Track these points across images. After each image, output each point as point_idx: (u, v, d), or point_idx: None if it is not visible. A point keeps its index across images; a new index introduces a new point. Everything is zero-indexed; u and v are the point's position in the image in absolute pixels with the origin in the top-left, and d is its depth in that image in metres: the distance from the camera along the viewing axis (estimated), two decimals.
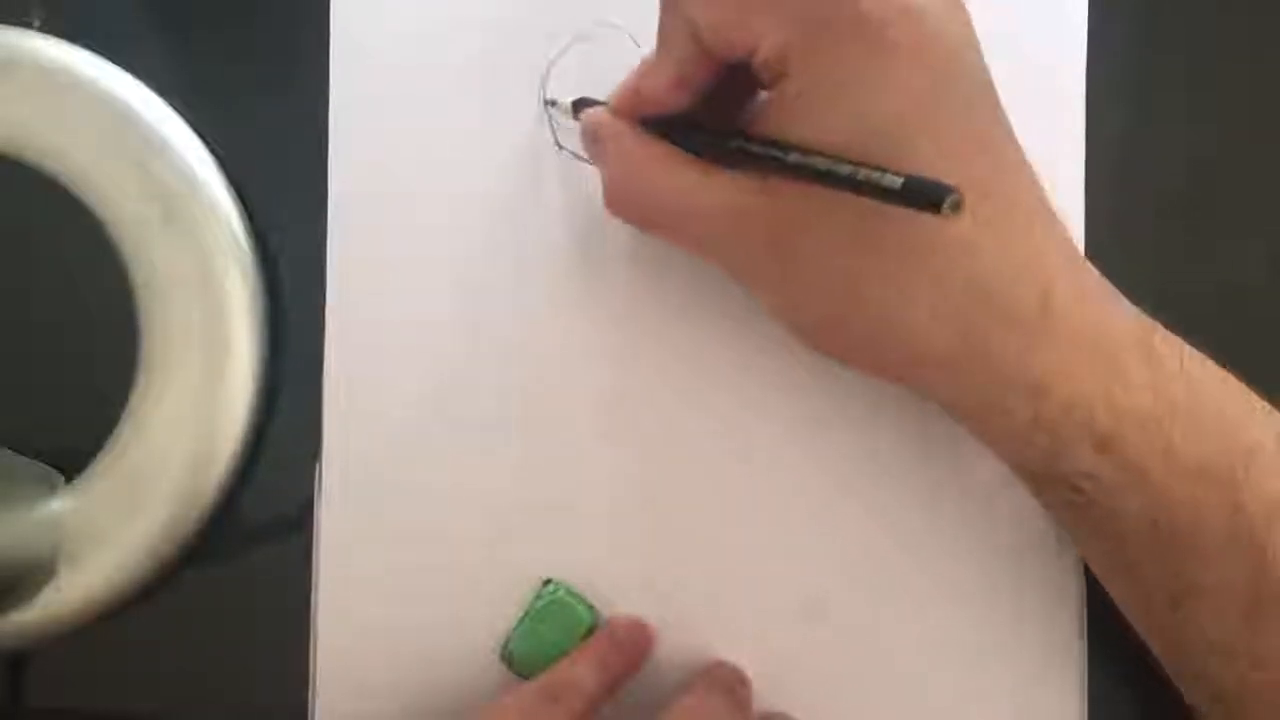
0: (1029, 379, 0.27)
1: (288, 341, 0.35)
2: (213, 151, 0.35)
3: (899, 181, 0.23)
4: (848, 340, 0.29)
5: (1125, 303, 0.29)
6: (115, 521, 0.34)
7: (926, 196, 0.23)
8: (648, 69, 0.30)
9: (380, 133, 0.34)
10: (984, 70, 0.28)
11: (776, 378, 0.33)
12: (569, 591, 0.33)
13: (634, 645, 0.32)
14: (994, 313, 0.27)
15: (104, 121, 0.34)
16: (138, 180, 0.34)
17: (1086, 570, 0.33)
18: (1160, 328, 0.29)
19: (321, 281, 0.34)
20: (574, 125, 0.32)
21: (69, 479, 0.34)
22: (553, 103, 0.33)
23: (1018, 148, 0.28)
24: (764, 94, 0.29)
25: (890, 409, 0.33)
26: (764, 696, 0.33)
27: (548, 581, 0.33)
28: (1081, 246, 0.33)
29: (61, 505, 0.34)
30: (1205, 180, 0.34)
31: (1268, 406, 0.29)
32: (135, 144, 0.34)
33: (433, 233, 0.34)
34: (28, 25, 0.35)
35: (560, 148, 0.34)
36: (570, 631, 0.33)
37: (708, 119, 0.30)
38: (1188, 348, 0.28)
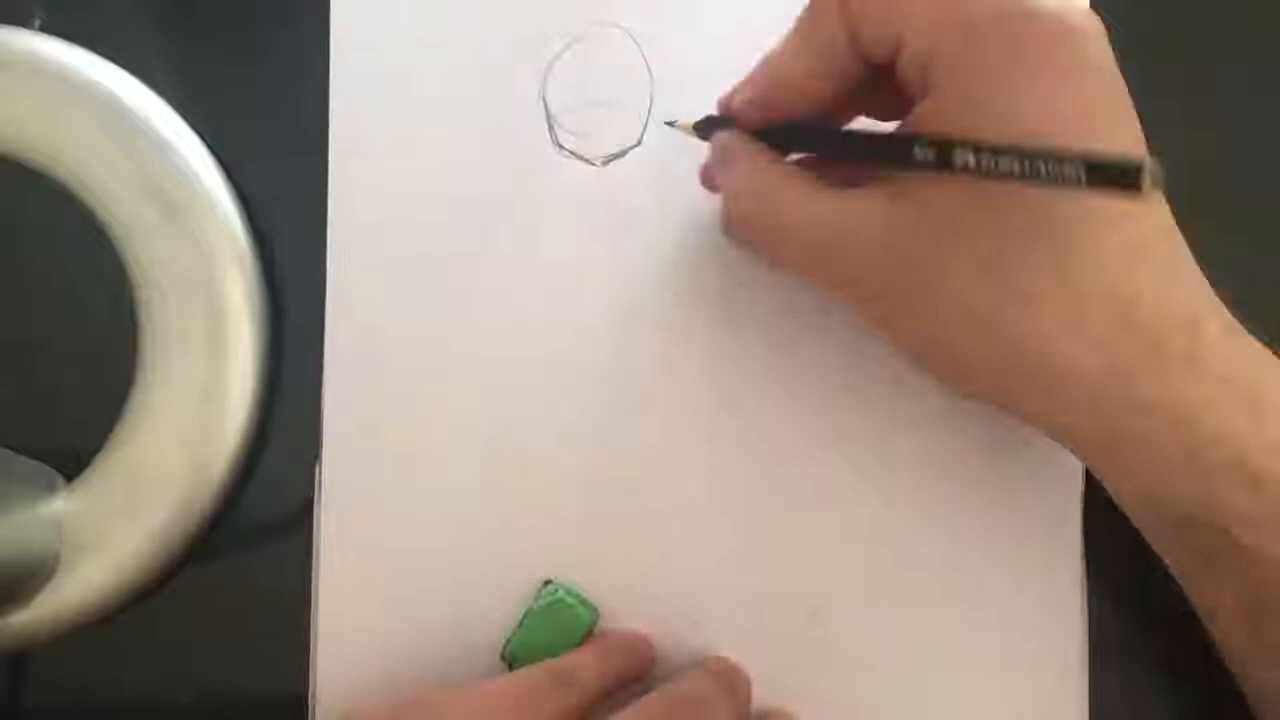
0: (1179, 410, 0.26)
1: (288, 341, 0.35)
2: (213, 151, 0.35)
3: (1087, 159, 0.22)
4: (986, 373, 0.28)
5: (1253, 337, 0.28)
6: (115, 521, 0.34)
7: (1122, 173, 0.21)
8: (783, 56, 0.29)
9: (380, 132, 0.34)
10: (1126, 93, 0.27)
11: (779, 382, 0.33)
12: (569, 591, 0.33)
13: (635, 650, 0.32)
14: (1144, 339, 0.26)
15: (104, 121, 0.34)
16: (138, 180, 0.34)
17: (1088, 573, 0.33)
18: None
19: (321, 281, 0.34)
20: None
21: (69, 479, 0.34)
22: (673, 123, 0.32)
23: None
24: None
25: (892, 413, 0.33)
26: (764, 696, 0.33)
27: (548, 581, 0.33)
28: None
29: (61, 505, 0.34)
30: (1205, 182, 0.34)
31: None
32: (135, 144, 0.34)
33: (432, 232, 0.34)
34: (27, 25, 0.35)
35: (560, 148, 0.34)
36: (570, 631, 0.33)
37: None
38: None
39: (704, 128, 0.31)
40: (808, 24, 0.28)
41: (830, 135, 0.29)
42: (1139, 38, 0.35)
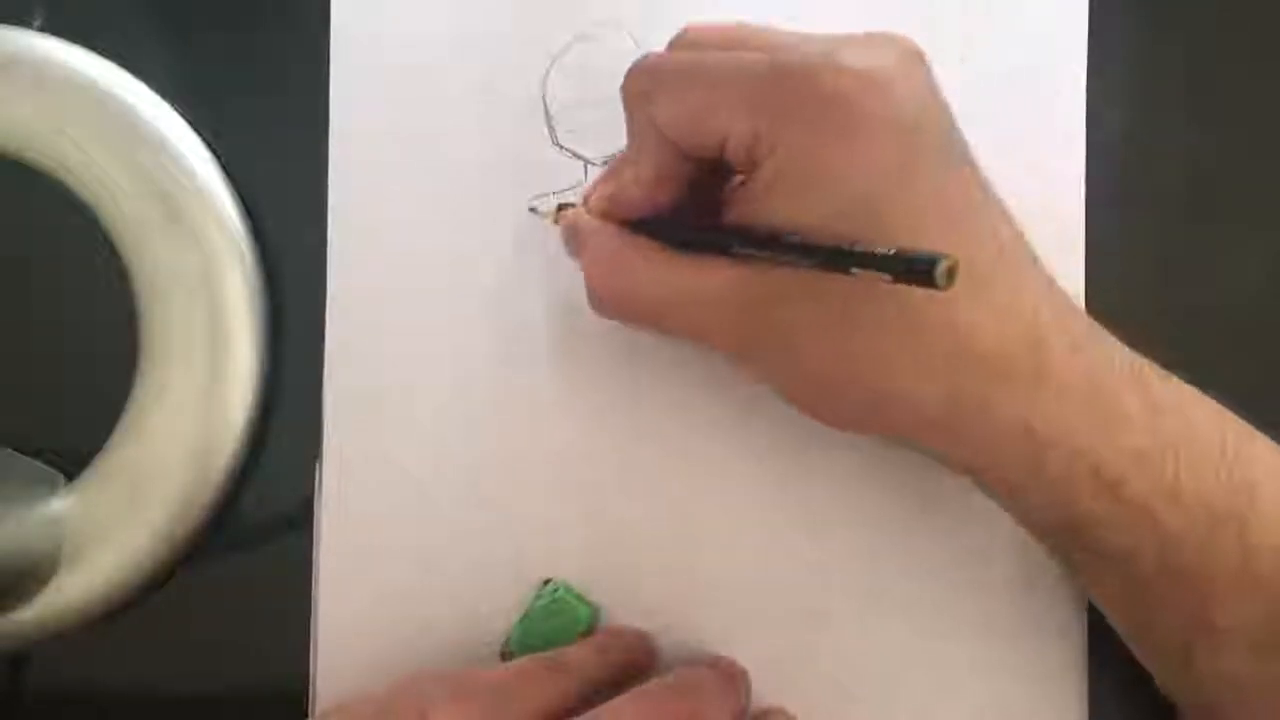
0: (1028, 434, 0.27)
1: (288, 341, 0.35)
2: (213, 151, 0.35)
3: (889, 254, 0.24)
4: (844, 411, 0.29)
5: (1115, 342, 0.29)
6: (115, 521, 0.34)
7: (918, 269, 0.23)
8: (625, 170, 0.30)
9: (380, 133, 0.34)
10: (953, 128, 0.27)
11: None
12: (569, 591, 0.33)
13: (633, 646, 0.32)
14: (987, 374, 0.27)
15: (104, 121, 0.34)
16: (138, 180, 0.34)
17: None
18: (1151, 364, 0.28)
19: (321, 281, 0.34)
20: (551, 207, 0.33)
21: (69, 479, 0.34)
22: (534, 210, 0.33)
23: (996, 202, 0.28)
24: (738, 180, 0.29)
25: None
26: (763, 696, 0.33)
27: (547, 581, 0.33)
28: (1081, 246, 0.33)
29: (61, 505, 0.34)
30: (1205, 180, 0.34)
31: (1269, 440, 0.29)
32: (135, 144, 0.34)
33: (432, 232, 0.34)
34: (28, 25, 0.35)
35: (560, 147, 0.34)
36: (570, 631, 0.33)
37: (686, 211, 0.30)
38: (1180, 383, 0.28)
39: (561, 211, 0.32)
40: (635, 148, 0.30)
41: (674, 227, 0.30)
42: (1139, 38, 0.35)
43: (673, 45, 0.30)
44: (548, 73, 0.34)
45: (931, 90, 0.27)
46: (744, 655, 0.33)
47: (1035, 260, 0.28)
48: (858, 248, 0.24)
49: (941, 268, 0.22)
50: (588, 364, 0.34)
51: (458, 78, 0.34)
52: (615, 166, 0.31)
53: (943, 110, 0.27)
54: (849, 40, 0.27)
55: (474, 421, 0.34)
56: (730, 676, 0.32)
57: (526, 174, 0.34)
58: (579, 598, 0.33)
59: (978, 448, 0.28)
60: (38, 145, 0.34)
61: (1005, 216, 0.28)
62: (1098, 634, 0.33)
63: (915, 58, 0.27)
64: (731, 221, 0.29)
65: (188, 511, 0.34)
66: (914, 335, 0.27)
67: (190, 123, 0.35)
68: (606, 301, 0.30)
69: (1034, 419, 0.27)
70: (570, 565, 0.33)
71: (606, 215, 0.30)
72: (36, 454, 0.34)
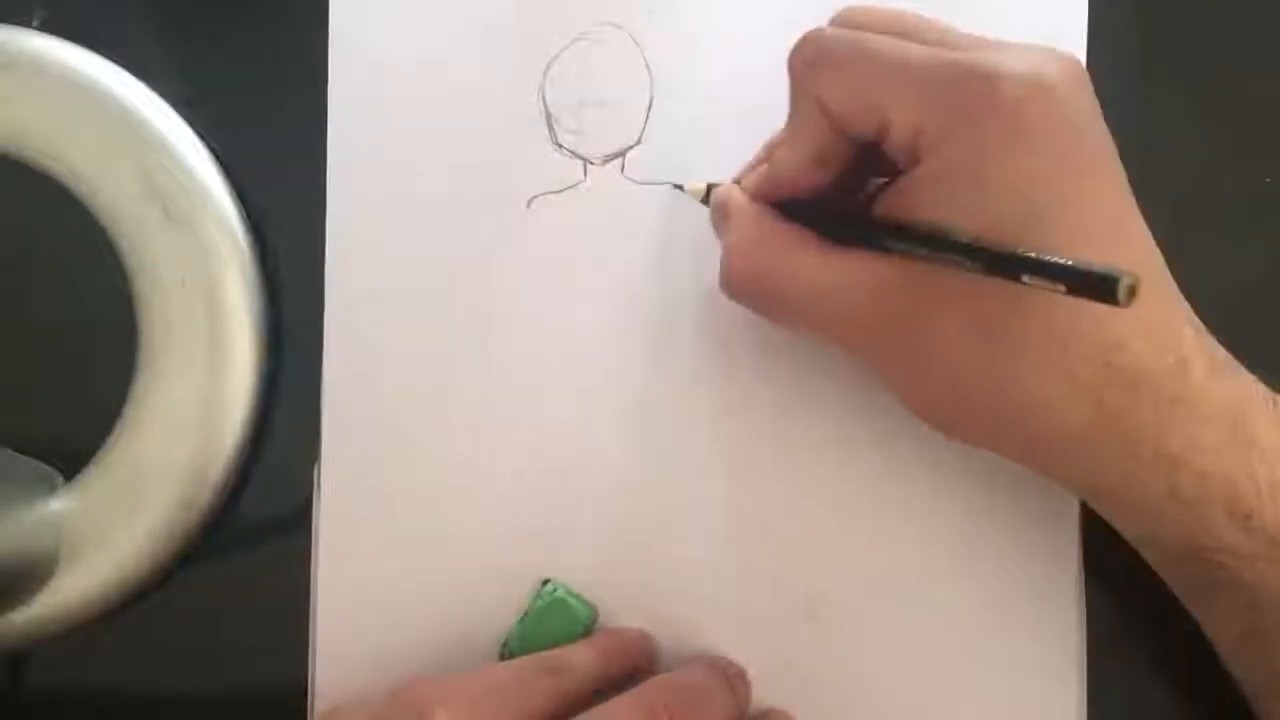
0: (1166, 452, 0.26)
1: (288, 341, 0.35)
2: (213, 151, 0.35)
3: (1069, 265, 0.23)
4: (976, 424, 0.29)
5: (1247, 373, 0.28)
6: (115, 521, 0.34)
7: (1099, 284, 0.23)
8: (781, 148, 0.29)
9: (379, 133, 0.34)
10: (1109, 143, 0.27)
11: (778, 383, 0.33)
12: (569, 591, 0.33)
13: (633, 647, 0.32)
14: (1130, 388, 0.26)
15: (104, 121, 0.34)
16: (138, 180, 0.34)
17: (1086, 572, 0.33)
18: None
19: (321, 281, 0.34)
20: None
21: (69, 479, 0.34)
22: (680, 187, 0.33)
23: (1139, 217, 0.28)
24: (895, 176, 0.28)
25: (891, 413, 0.33)
26: (763, 696, 0.33)
27: (547, 581, 0.33)
28: None
29: (61, 505, 0.34)
30: (1205, 180, 0.34)
31: None
32: (135, 144, 0.34)
33: (432, 232, 0.34)
34: (28, 25, 0.35)
35: (559, 147, 0.34)
36: (570, 631, 0.33)
37: (841, 202, 0.29)
38: None
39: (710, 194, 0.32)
40: (795, 124, 0.29)
41: (827, 217, 0.29)
42: (1139, 38, 0.35)
43: (834, 23, 0.29)
44: (547, 73, 0.34)
45: (1095, 106, 0.27)
46: (743, 655, 0.33)
47: (1177, 289, 0.28)
48: (1035, 254, 0.24)
49: (1125, 284, 0.22)
50: (587, 363, 0.34)
51: (458, 78, 0.34)
52: (771, 144, 0.30)
53: (1099, 117, 0.27)
54: (1020, 48, 0.27)
55: (473, 421, 0.34)
56: (730, 676, 0.32)
57: (526, 174, 0.34)
58: (579, 598, 0.33)
59: (1113, 467, 0.27)
60: (38, 145, 0.34)
61: (1152, 241, 0.28)
62: (1098, 633, 0.33)
63: (1081, 73, 0.27)
64: (882, 211, 0.28)
65: (187, 511, 0.34)
66: (1061, 348, 0.26)
67: (190, 123, 0.35)
68: (743, 282, 0.30)
69: (1173, 440, 0.26)
70: (570, 565, 0.33)
71: (759, 195, 0.30)
72: (36, 454, 0.34)
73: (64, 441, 0.34)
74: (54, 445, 0.34)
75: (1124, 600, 0.33)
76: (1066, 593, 0.33)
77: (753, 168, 0.31)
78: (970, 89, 0.26)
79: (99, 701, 0.34)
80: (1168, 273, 0.28)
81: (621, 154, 0.34)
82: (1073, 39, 0.34)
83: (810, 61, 0.28)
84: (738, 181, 0.31)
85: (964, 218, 0.26)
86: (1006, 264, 0.25)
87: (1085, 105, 0.27)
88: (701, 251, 0.33)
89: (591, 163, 0.34)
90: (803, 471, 0.33)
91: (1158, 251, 0.28)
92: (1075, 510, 0.33)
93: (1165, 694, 0.31)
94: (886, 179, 0.29)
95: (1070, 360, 0.26)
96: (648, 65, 0.34)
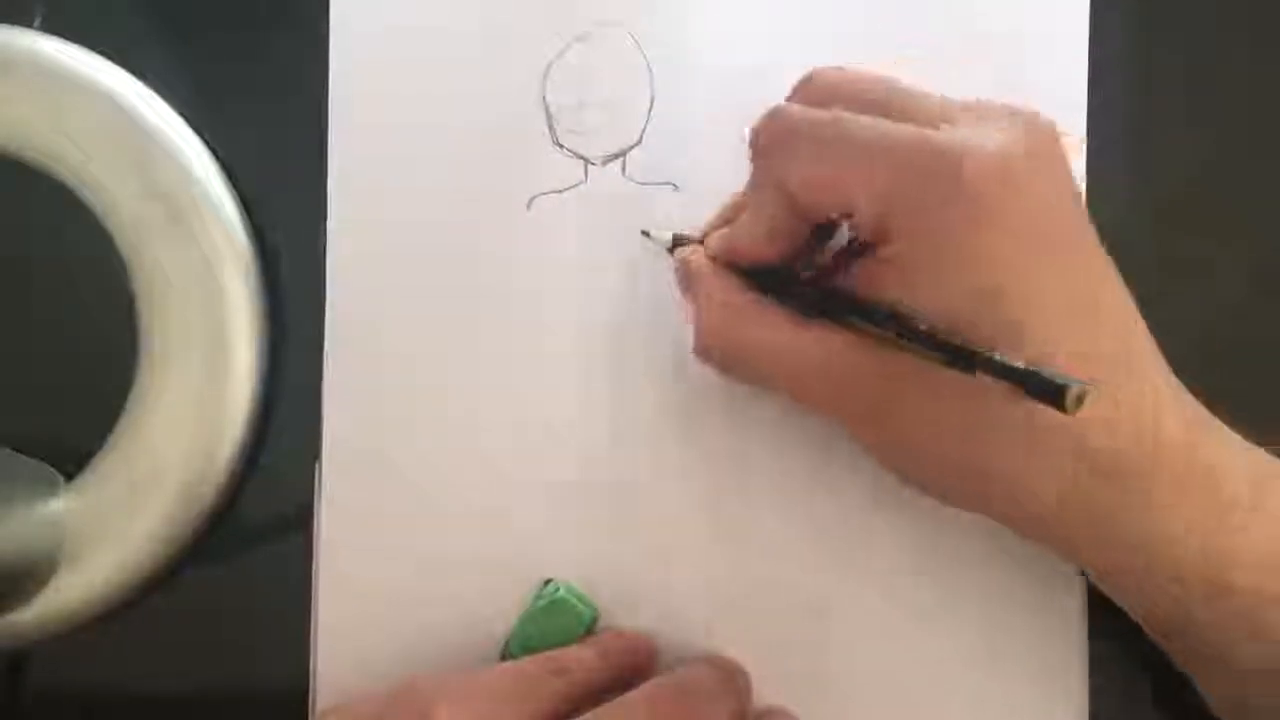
0: (1140, 532, 0.27)
1: (288, 341, 0.35)
2: (213, 151, 0.35)
3: (1022, 368, 0.24)
4: (957, 496, 0.29)
5: (1229, 433, 0.28)
6: (115, 521, 0.34)
7: (1047, 390, 0.23)
8: (740, 219, 0.30)
9: (380, 133, 0.34)
10: (1080, 218, 0.27)
11: None
12: (569, 591, 0.33)
13: (634, 648, 0.32)
14: (1102, 472, 0.26)
15: (104, 121, 0.34)
16: (138, 180, 0.34)
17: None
18: (1266, 455, 0.28)
19: (321, 281, 0.34)
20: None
21: (69, 479, 0.34)
22: (647, 234, 0.33)
23: (1116, 289, 0.28)
24: (854, 247, 0.29)
25: None
26: (763, 694, 0.33)
27: (548, 581, 0.33)
28: None
29: (61, 505, 0.34)
30: (1205, 181, 0.34)
31: None
32: (135, 144, 0.34)
33: (432, 232, 0.34)
34: (28, 25, 0.35)
35: (560, 147, 0.34)
36: (570, 631, 0.33)
37: (800, 269, 0.30)
38: None
39: (677, 244, 0.32)
40: (754, 199, 0.29)
41: (792, 285, 0.29)
42: (1139, 38, 0.35)
43: (798, 92, 0.29)
44: (548, 73, 0.34)
45: (1067, 177, 0.27)
46: (744, 655, 0.33)
47: (1154, 351, 0.28)
48: (989, 353, 0.24)
49: (1072, 394, 0.23)
50: (587, 363, 0.34)
51: (458, 77, 0.34)
52: (733, 207, 0.30)
53: (1076, 199, 0.27)
54: (994, 117, 0.27)
55: (474, 421, 0.34)
56: (730, 676, 0.32)
57: (527, 174, 0.34)
58: (579, 598, 0.33)
59: (1089, 546, 0.28)
60: (38, 145, 0.34)
61: (1130, 308, 0.28)
62: (1098, 632, 0.33)
63: (1052, 139, 0.27)
64: (846, 285, 0.28)
65: (188, 511, 0.34)
66: (1029, 431, 0.26)
67: (190, 123, 0.35)
68: (713, 351, 0.30)
69: (1147, 520, 0.26)
70: (570, 565, 0.33)
71: (721, 257, 0.30)
72: (37, 454, 0.34)
73: (64, 441, 0.34)
74: (54, 445, 0.34)
75: None
76: (1068, 591, 0.33)
77: (715, 225, 0.31)
78: (936, 170, 0.26)
79: (99, 701, 0.34)
80: (1145, 339, 0.28)
81: (622, 154, 0.34)
82: (1073, 39, 0.34)
83: (777, 141, 0.28)
84: (702, 240, 0.31)
85: (926, 299, 0.26)
86: (962, 359, 0.25)
87: (1054, 182, 0.27)
88: None
89: (592, 163, 0.34)
90: (804, 471, 0.33)
91: (1134, 322, 0.28)
92: None
93: (1166, 697, 0.31)
94: (848, 244, 0.29)
95: (1038, 441, 0.26)
96: (648, 65, 0.34)
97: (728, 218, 0.31)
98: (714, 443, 0.34)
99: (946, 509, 0.33)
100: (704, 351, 0.30)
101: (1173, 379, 0.28)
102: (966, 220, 0.26)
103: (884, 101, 0.28)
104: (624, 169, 0.34)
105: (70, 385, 0.35)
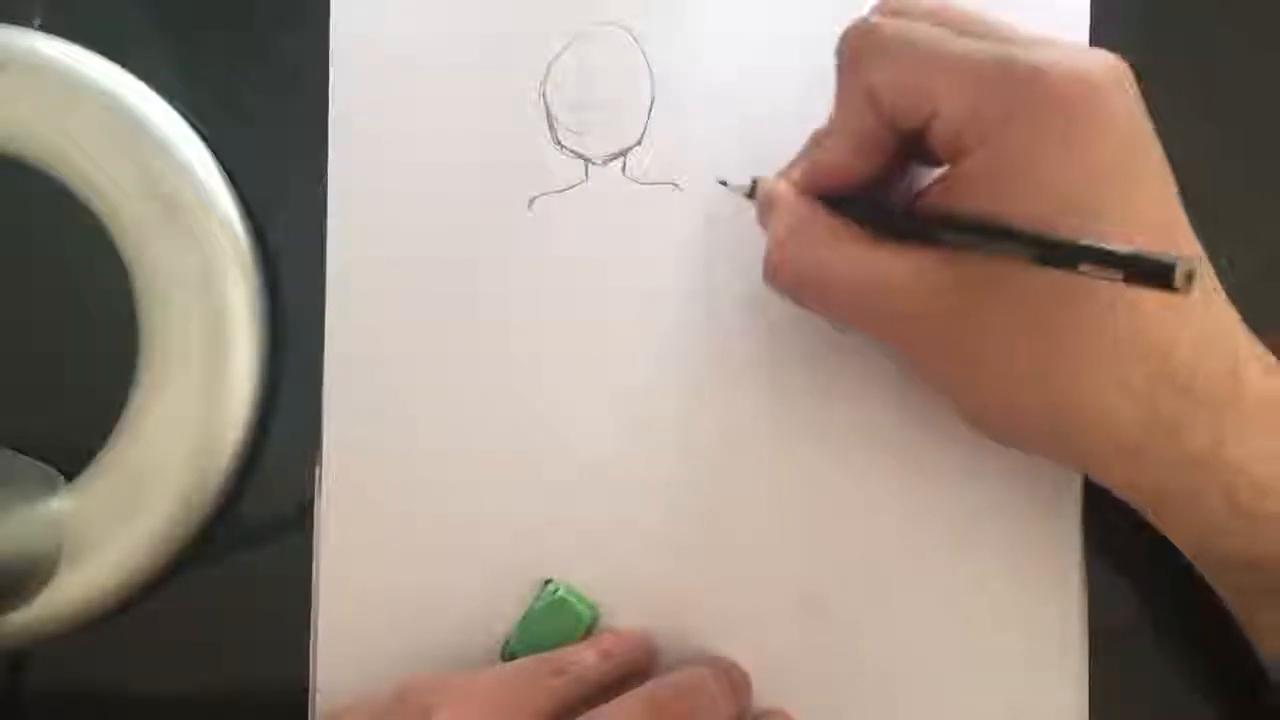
0: (1224, 461, 0.26)
1: (288, 341, 0.35)
2: (213, 151, 0.35)
3: (1127, 253, 0.23)
4: (1033, 432, 0.28)
5: None
6: (115, 521, 0.34)
7: (1156, 270, 0.22)
8: (823, 139, 0.29)
9: (380, 133, 0.34)
10: (1157, 147, 0.27)
11: (779, 382, 0.33)
12: (569, 591, 0.33)
13: (634, 648, 0.32)
14: (1185, 394, 0.26)
15: (104, 121, 0.34)
16: (138, 180, 0.34)
17: (1088, 568, 0.33)
18: None
19: (321, 281, 0.34)
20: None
21: (69, 479, 0.34)
22: (724, 183, 0.32)
23: (1186, 222, 0.27)
24: (937, 171, 0.28)
25: (890, 408, 0.33)
26: (763, 694, 0.33)
27: (548, 581, 0.33)
28: None
29: (61, 505, 0.34)
30: (1205, 180, 0.34)
31: None
32: (135, 144, 0.34)
33: (432, 233, 0.34)
34: (28, 25, 0.35)
35: (560, 147, 0.34)
36: (570, 631, 0.33)
37: (887, 195, 0.29)
38: None
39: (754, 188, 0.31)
40: (841, 113, 0.29)
41: (874, 208, 0.29)
42: (1139, 38, 0.35)
43: (879, 10, 0.29)
44: (548, 73, 0.34)
45: (1143, 110, 0.27)
46: (744, 655, 0.33)
47: (1220, 287, 0.28)
48: (1092, 242, 0.23)
49: (1182, 270, 0.22)
50: (588, 363, 0.34)
51: (458, 78, 0.34)
52: (817, 137, 0.30)
53: (1151, 131, 0.27)
54: (1069, 46, 0.27)
55: (474, 421, 0.34)
56: (730, 676, 0.32)
57: (526, 174, 0.34)
58: (579, 598, 0.33)
59: (1170, 476, 0.27)
60: (38, 145, 0.34)
61: (1191, 233, 0.27)
62: (1099, 630, 0.33)
63: (1127, 75, 0.27)
64: (930, 208, 0.28)
65: (188, 511, 0.34)
66: (1113, 351, 0.26)
67: (190, 123, 0.35)
68: (787, 274, 0.29)
69: (1230, 448, 0.26)
70: (570, 565, 0.33)
71: (804, 187, 0.29)
72: (36, 454, 0.34)
73: (64, 441, 0.34)
74: (54, 445, 0.34)
75: (1125, 595, 0.33)
76: (1068, 590, 0.33)
77: (799, 161, 0.30)
78: (1023, 82, 0.26)
79: (99, 701, 0.34)
80: (1214, 278, 0.27)
81: (623, 154, 0.34)
82: (1073, 39, 0.34)
83: (861, 49, 0.28)
84: (784, 175, 0.31)
85: (1015, 211, 0.26)
86: (1063, 252, 0.24)
87: (1134, 108, 0.27)
88: (703, 252, 0.33)
89: (593, 163, 0.34)
90: (802, 470, 0.33)
91: (1205, 258, 0.27)
92: (1077, 509, 0.33)
93: (1166, 689, 0.31)
94: (930, 174, 0.29)
95: (1122, 363, 0.26)
96: (648, 65, 0.34)
97: (810, 151, 0.31)
98: (714, 443, 0.34)
99: (947, 509, 0.33)
100: (777, 274, 0.29)
101: (1243, 325, 0.27)
102: (1054, 134, 0.25)
103: (959, 20, 0.28)
104: (624, 169, 0.34)
105: (70, 385, 0.35)
